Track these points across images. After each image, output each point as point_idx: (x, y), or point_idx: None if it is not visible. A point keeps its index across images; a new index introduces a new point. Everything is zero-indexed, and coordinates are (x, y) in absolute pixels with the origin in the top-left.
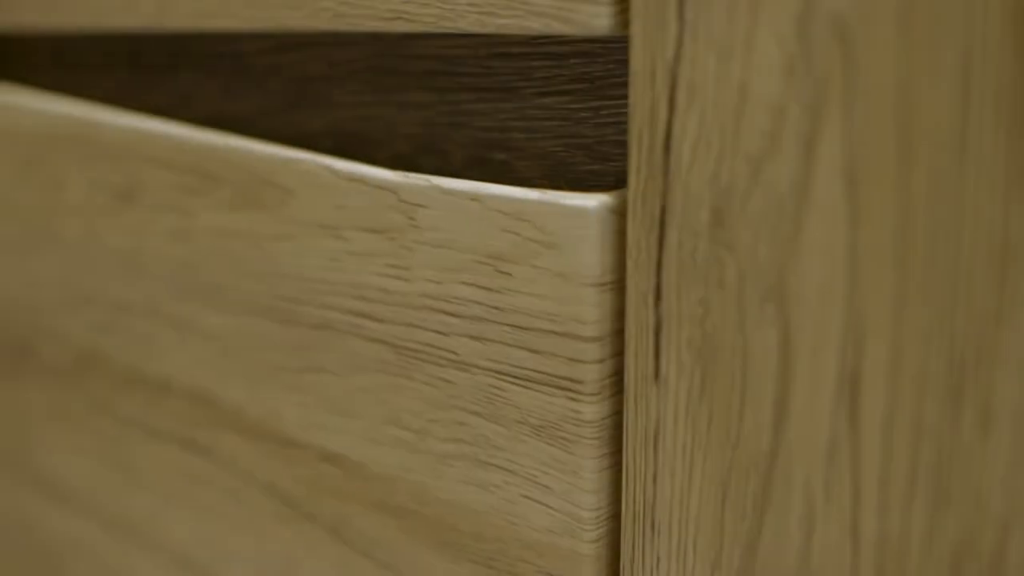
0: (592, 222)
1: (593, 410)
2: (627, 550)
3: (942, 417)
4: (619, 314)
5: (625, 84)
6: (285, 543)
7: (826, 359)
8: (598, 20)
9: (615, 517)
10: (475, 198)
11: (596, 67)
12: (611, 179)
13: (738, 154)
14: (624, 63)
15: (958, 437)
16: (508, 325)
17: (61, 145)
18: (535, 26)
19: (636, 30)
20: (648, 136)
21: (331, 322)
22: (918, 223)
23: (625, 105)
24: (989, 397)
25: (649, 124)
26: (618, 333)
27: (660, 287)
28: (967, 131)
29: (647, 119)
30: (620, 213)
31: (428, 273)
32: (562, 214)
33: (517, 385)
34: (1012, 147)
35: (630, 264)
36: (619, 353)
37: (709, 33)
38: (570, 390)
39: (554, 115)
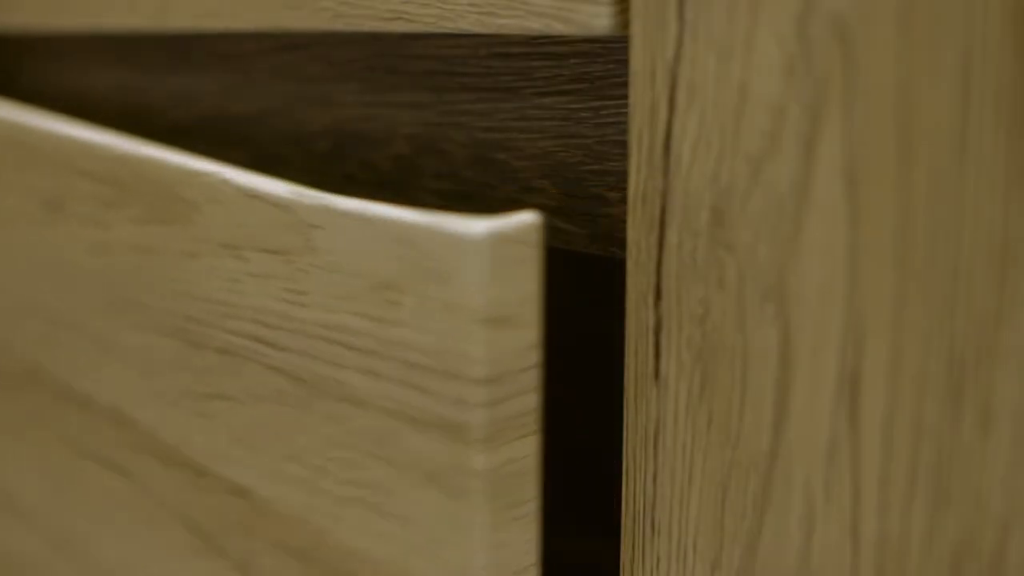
0: (478, 251)
1: (483, 459)
2: (627, 550)
3: (942, 417)
4: (526, 351)
5: (625, 84)
6: (198, 575)
7: (826, 359)
8: (598, 20)
9: (522, 573)
10: (367, 220)
11: (596, 67)
12: (611, 179)
13: (738, 154)
14: (624, 63)
15: (958, 437)
16: (399, 361)
17: None
18: (535, 26)
19: (636, 30)
20: (648, 136)
21: (234, 347)
22: (918, 223)
23: (625, 105)
24: (989, 397)
25: (649, 124)
26: (525, 371)
27: (660, 287)
28: (967, 131)
29: (647, 119)
30: (520, 241)
31: (324, 300)
32: (447, 241)
33: (410, 427)
34: (1012, 147)
35: (630, 264)
36: (527, 392)
37: (709, 33)
38: (458, 436)
39: (554, 115)
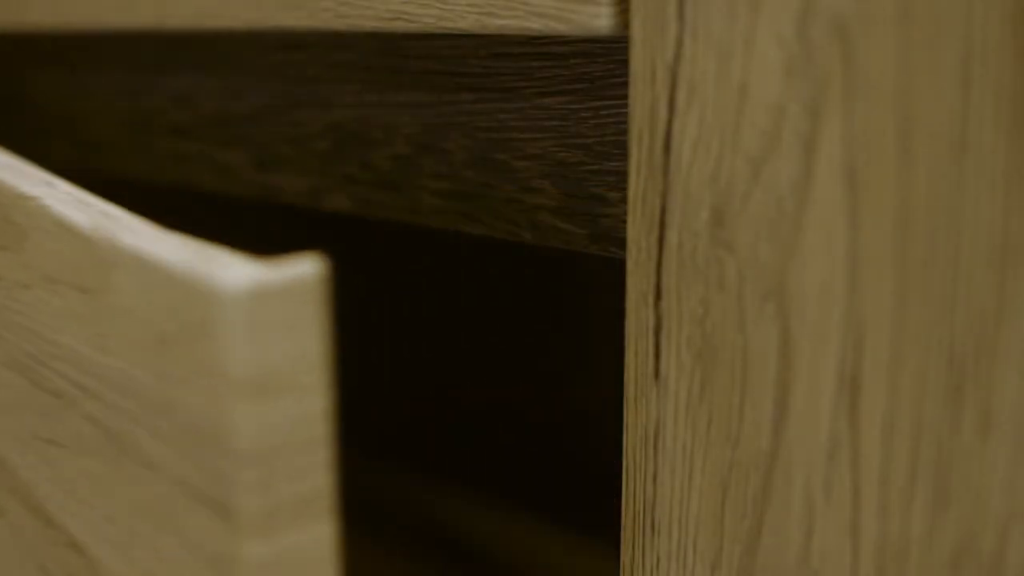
0: (237, 307)
1: (254, 548)
2: (627, 550)
3: (942, 417)
4: (308, 422)
5: (625, 84)
6: None
7: (826, 359)
8: (598, 20)
9: None
10: (144, 261)
11: (596, 67)
12: (611, 179)
13: (738, 154)
14: (624, 63)
15: (958, 437)
16: (177, 426)
17: None
18: (535, 26)
19: (636, 30)
20: (648, 136)
21: (60, 391)
22: (918, 223)
23: (625, 105)
24: (989, 397)
25: (649, 124)
26: (308, 446)
27: (660, 287)
28: (967, 131)
29: (647, 119)
30: (292, 296)
31: (120, 347)
32: (204, 293)
33: (191, 502)
34: (1012, 147)
35: (630, 264)
36: (312, 471)
37: (709, 33)
38: (227, 519)
39: (554, 115)
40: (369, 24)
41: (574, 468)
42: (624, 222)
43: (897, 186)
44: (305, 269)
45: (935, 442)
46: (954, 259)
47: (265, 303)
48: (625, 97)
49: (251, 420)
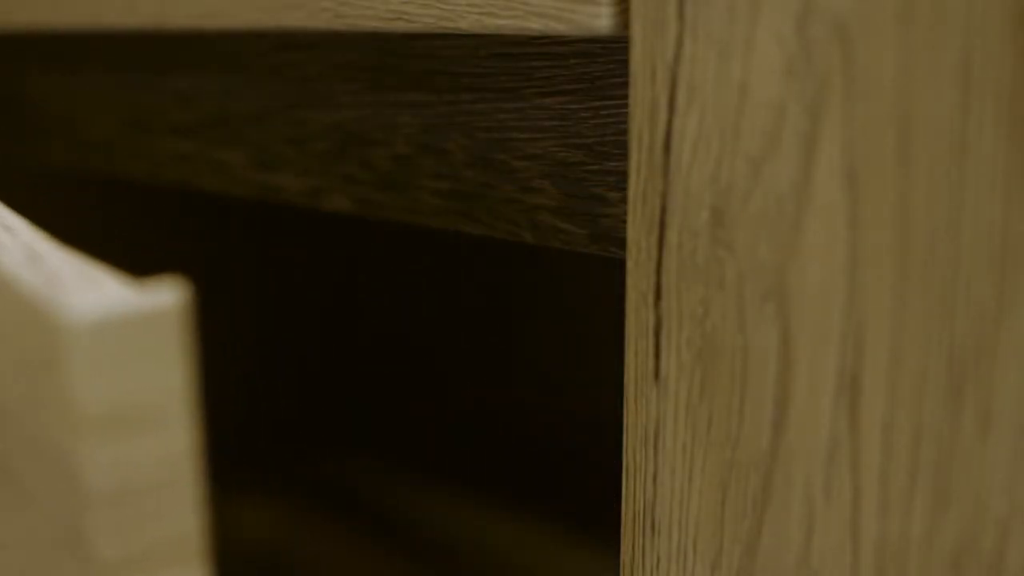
0: (81, 339)
1: None
2: (627, 550)
3: (942, 417)
4: (169, 461)
5: (625, 84)
6: None
7: (826, 359)
8: (598, 20)
9: None
10: (5, 286)
11: (596, 67)
12: (611, 179)
13: (738, 154)
14: (624, 63)
15: (958, 437)
16: (45, 459)
17: None
18: (535, 26)
19: (636, 30)
20: (648, 136)
21: None
22: (918, 223)
23: (625, 105)
24: (989, 397)
25: (649, 124)
26: (171, 486)
27: (660, 287)
28: (967, 131)
29: (647, 119)
30: (151, 326)
31: (6, 376)
32: (45, 325)
33: (57, 539)
34: (1012, 147)
35: (630, 264)
36: (177, 511)
37: (709, 33)
38: (87, 563)
39: (554, 115)
40: (369, 24)
41: (574, 468)
42: (624, 222)
43: (897, 186)
44: (163, 297)
45: (935, 442)
46: (954, 259)
47: (115, 335)
48: (625, 97)
49: (104, 457)
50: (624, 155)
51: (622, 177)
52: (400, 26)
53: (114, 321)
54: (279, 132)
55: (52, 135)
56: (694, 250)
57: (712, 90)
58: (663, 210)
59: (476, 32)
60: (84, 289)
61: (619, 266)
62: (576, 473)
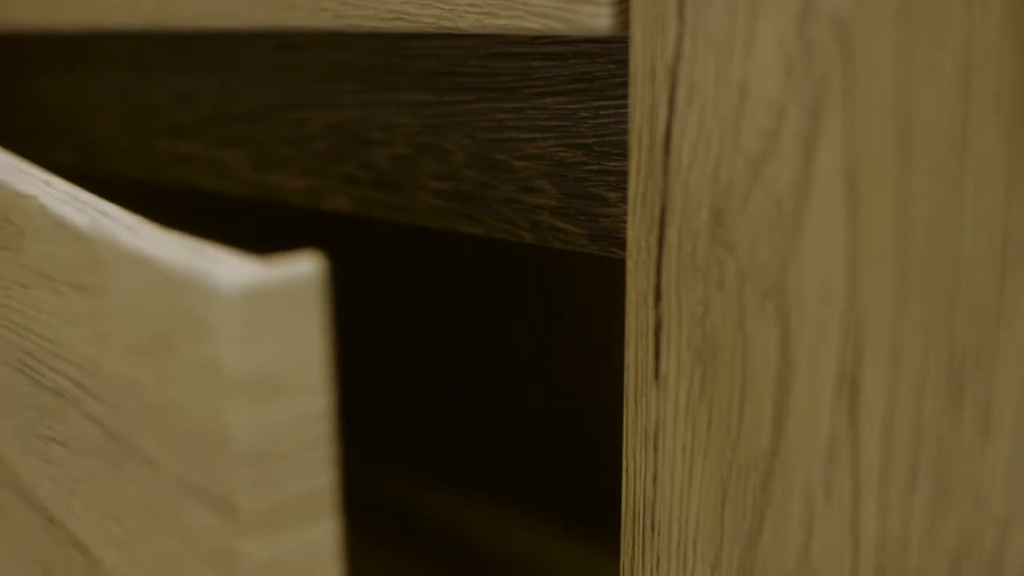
0: (230, 306)
1: (255, 545)
2: (627, 550)
3: (942, 417)
4: (309, 421)
5: (625, 84)
6: None
7: (826, 359)
8: (598, 20)
9: None
10: (142, 261)
11: (596, 67)
12: (611, 179)
13: (738, 154)
14: (624, 63)
15: (958, 437)
16: (179, 425)
17: None
18: (535, 26)
19: (636, 30)
20: (648, 136)
21: (61, 389)
22: (918, 223)
23: (625, 105)
24: (989, 397)
25: (649, 124)
26: (310, 446)
27: (660, 287)
28: (967, 131)
29: (647, 119)
30: (289, 295)
31: (120, 346)
32: (202, 293)
33: (193, 501)
34: (1012, 147)
35: (630, 264)
36: (313, 470)
37: (709, 33)
38: (229, 517)
39: (554, 115)
40: (369, 24)
41: (575, 467)
42: (624, 222)
43: (897, 186)
44: (304, 267)
45: (935, 442)
46: (954, 259)
47: (263, 302)
48: (625, 97)
49: (249, 420)
50: (624, 155)
51: (622, 177)
52: (400, 26)
53: (262, 290)
54: (279, 132)
55: (52, 135)
56: (694, 250)
57: (712, 90)
58: (663, 210)
59: (476, 32)
60: (226, 262)
61: (619, 266)
62: (577, 472)
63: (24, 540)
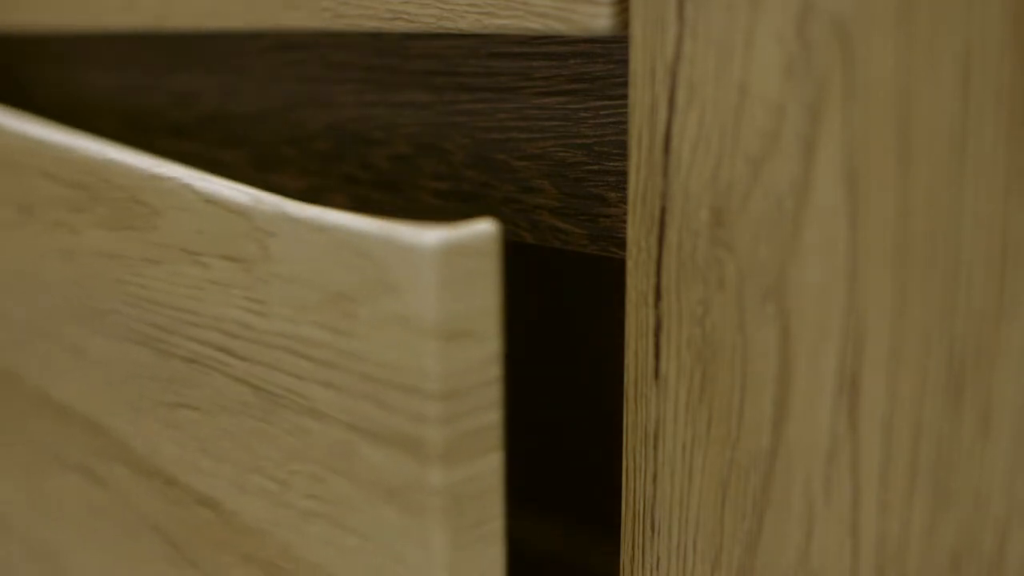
0: (428, 263)
1: (441, 476)
2: (627, 550)
3: (942, 417)
4: (485, 364)
5: (625, 84)
6: None
7: (826, 359)
8: (598, 20)
9: None
10: (320, 229)
11: (596, 67)
12: (611, 179)
13: (738, 154)
14: (624, 63)
15: (958, 437)
16: (357, 374)
17: None
18: (535, 26)
19: (636, 30)
20: (648, 136)
21: (198, 356)
22: (918, 223)
23: (625, 105)
24: (989, 397)
25: (649, 124)
26: (485, 385)
27: (660, 287)
28: (967, 131)
29: (647, 119)
30: (475, 252)
31: (283, 310)
32: (398, 252)
33: (369, 442)
34: (1012, 147)
35: (630, 264)
36: (488, 407)
37: (709, 33)
38: (416, 452)
39: (554, 115)
40: (369, 24)
41: (574, 467)
42: (624, 222)
43: (897, 186)
44: (486, 228)
45: (935, 442)
46: (954, 259)
47: (456, 258)
48: (625, 97)
49: (441, 363)
50: (624, 155)
51: (622, 177)
52: (400, 26)
53: (455, 247)
54: (279, 132)
55: None
56: (694, 250)
57: (712, 90)
58: (663, 210)
59: (476, 32)
60: (417, 228)
61: (619, 266)
62: (577, 471)
63: (133, 509)
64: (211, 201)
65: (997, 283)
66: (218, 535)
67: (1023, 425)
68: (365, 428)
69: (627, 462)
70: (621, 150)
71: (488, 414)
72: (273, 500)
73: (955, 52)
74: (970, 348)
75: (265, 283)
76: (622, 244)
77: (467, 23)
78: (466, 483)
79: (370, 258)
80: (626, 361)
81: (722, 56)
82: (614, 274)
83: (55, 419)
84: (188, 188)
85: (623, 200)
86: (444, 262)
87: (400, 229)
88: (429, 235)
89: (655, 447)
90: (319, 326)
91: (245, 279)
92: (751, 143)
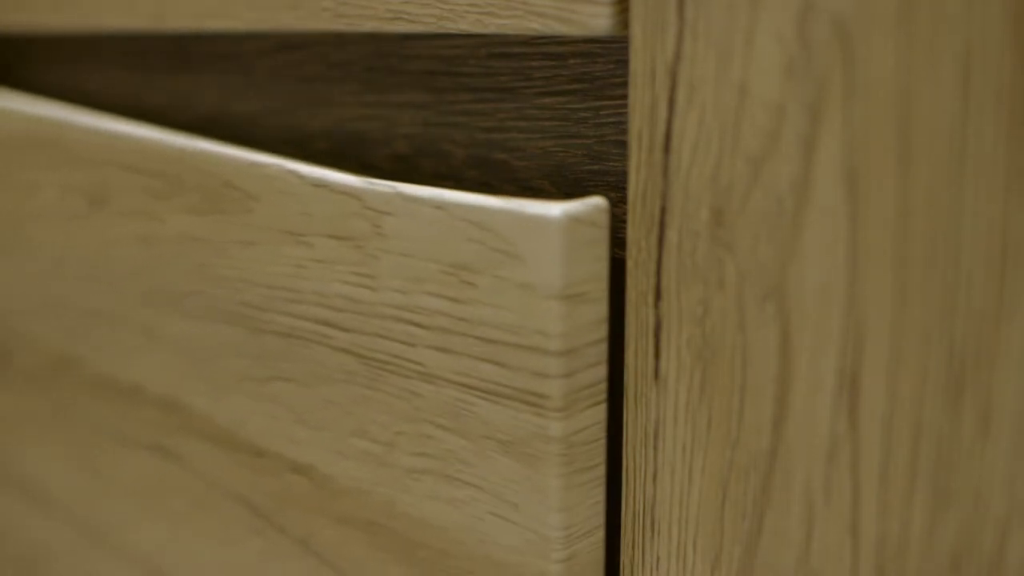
0: (554, 233)
1: (560, 426)
2: (627, 550)
3: (942, 417)
4: (596, 324)
5: (625, 84)
6: (255, 553)
7: (826, 359)
8: (598, 20)
9: (591, 533)
10: (440, 206)
11: (596, 67)
12: (611, 179)
13: (738, 154)
14: (624, 63)
15: (958, 437)
16: (474, 337)
17: (31, 150)
18: (535, 26)
19: (636, 30)
20: (648, 136)
21: (297, 331)
22: (918, 223)
23: (625, 105)
24: (989, 397)
25: (649, 124)
26: (595, 344)
27: (660, 287)
28: (967, 131)
29: (647, 119)
30: (591, 223)
31: (394, 282)
32: (524, 224)
33: (484, 399)
34: (1012, 147)
35: (630, 264)
36: (597, 363)
37: (709, 33)
38: (536, 405)
39: (554, 115)
40: (369, 24)
41: None
42: (624, 222)
43: (897, 186)
44: (597, 202)
45: (935, 442)
46: (954, 259)
47: (576, 228)
48: (625, 97)
49: (564, 325)
50: (624, 155)
51: (622, 177)
52: (400, 26)
53: (576, 219)
54: (279, 132)
55: None
56: (694, 250)
57: (712, 90)
58: (663, 210)
59: (476, 32)
60: (537, 203)
61: (619, 266)
62: None
63: (211, 482)
64: (319, 184)
65: (997, 283)
66: (310, 500)
67: (1023, 425)
68: (481, 387)
69: (627, 462)
70: (621, 150)
71: (597, 370)
72: (376, 461)
73: (955, 52)
74: (970, 348)
75: (375, 259)
76: (622, 244)
77: (467, 23)
78: (579, 432)
79: (492, 231)
80: (626, 361)
81: (722, 56)
82: (614, 274)
83: (121, 400)
84: (293, 173)
85: (623, 200)
86: (567, 232)
87: (525, 203)
88: (554, 208)
89: (655, 447)
90: (434, 296)
91: (354, 256)
92: (751, 143)
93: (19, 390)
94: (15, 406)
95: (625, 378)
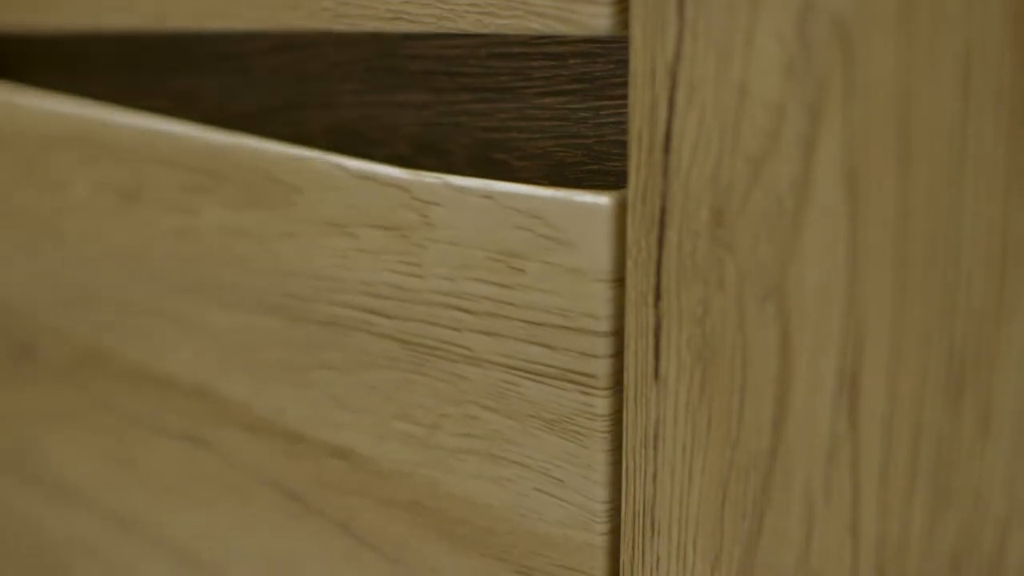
0: (604, 219)
1: (606, 404)
2: (627, 550)
3: (942, 417)
4: (622, 310)
5: (625, 84)
6: (293, 539)
7: (826, 359)
8: (598, 20)
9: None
10: (488, 195)
11: (596, 67)
12: (611, 179)
13: (738, 154)
14: (624, 63)
15: (958, 437)
16: (521, 321)
17: (64, 145)
18: (535, 26)
19: (636, 30)
20: (648, 136)
21: (339, 319)
22: (918, 223)
23: (625, 105)
24: (989, 397)
25: (649, 124)
26: (621, 331)
27: (660, 287)
28: (967, 131)
29: (647, 119)
30: (623, 212)
31: (441, 270)
32: (575, 211)
33: (530, 380)
34: (1012, 147)
35: (630, 264)
36: (622, 351)
37: (709, 33)
38: (584, 384)
39: (554, 115)
40: (369, 24)
41: None
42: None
43: (897, 186)
44: (622, 195)
45: (935, 442)
46: (954, 259)
47: (615, 215)
48: (625, 97)
49: (607, 306)
50: (624, 155)
51: (622, 177)
52: (400, 26)
53: (616, 206)
54: (279, 132)
55: None
56: (694, 250)
57: (712, 90)
58: (663, 210)
59: (476, 32)
60: (580, 192)
61: None
62: None
63: (246, 469)
64: (366, 177)
65: (997, 283)
66: (350, 483)
67: (1023, 425)
68: (527, 368)
69: (627, 462)
70: (621, 150)
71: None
72: (419, 443)
73: (955, 52)
74: (970, 348)
75: (422, 247)
76: None
77: (467, 23)
78: (619, 411)
79: (542, 218)
80: (626, 361)
81: (722, 56)
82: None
83: (154, 391)
84: (338, 167)
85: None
86: (612, 219)
87: (573, 192)
88: (603, 196)
89: (655, 447)
90: (482, 282)
91: (400, 245)
92: (751, 143)
93: (44, 385)
94: (39, 401)
95: (625, 378)
